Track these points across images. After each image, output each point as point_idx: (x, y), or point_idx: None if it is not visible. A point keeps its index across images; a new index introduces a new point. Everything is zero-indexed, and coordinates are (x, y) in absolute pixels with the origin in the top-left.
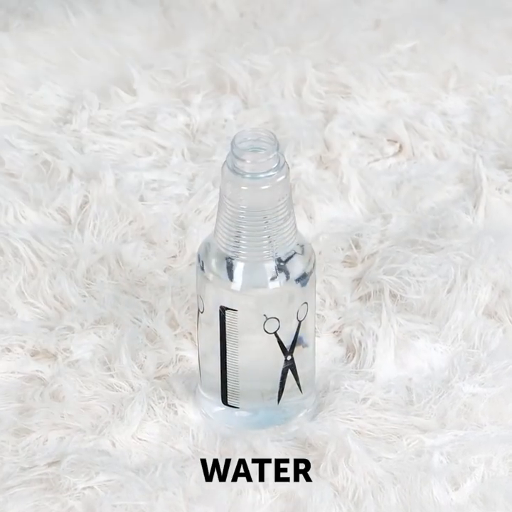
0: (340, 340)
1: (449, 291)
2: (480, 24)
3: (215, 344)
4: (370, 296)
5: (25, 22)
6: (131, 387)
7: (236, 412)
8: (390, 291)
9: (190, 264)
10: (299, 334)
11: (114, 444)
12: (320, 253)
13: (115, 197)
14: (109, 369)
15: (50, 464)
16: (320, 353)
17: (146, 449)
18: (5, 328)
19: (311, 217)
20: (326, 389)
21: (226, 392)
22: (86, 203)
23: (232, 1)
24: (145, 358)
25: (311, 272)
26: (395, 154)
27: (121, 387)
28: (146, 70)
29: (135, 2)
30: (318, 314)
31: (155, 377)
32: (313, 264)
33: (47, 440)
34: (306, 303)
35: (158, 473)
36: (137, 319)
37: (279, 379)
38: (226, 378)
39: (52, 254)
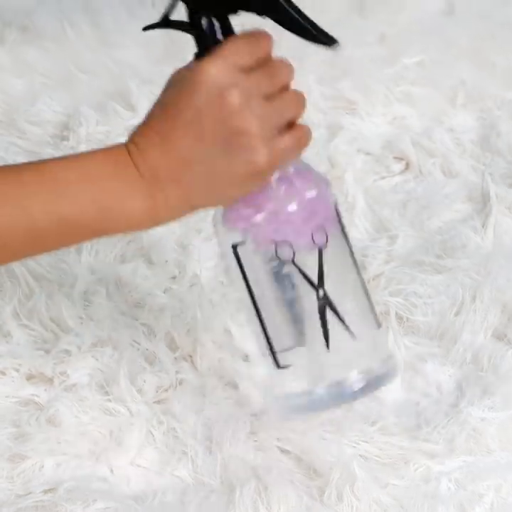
0: None
1: (457, 313)
2: (488, 38)
3: (246, 297)
4: None
5: (22, 36)
6: (130, 412)
7: (293, 384)
8: (397, 313)
9: (191, 285)
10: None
11: (112, 471)
12: None
13: None
14: (107, 393)
15: (46, 491)
16: None
17: (145, 475)
18: None
19: None
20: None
21: (271, 344)
22: None
23: None
24: (144, 381)
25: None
26: (402, 172)
27: (119, 412)
28: (145, 85)
29: (134, 15)
30: None
31: (154, 402)
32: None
33: (43, 466)
34: (323, 227)
35: (158, 501)
36: (136, 342)
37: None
38: (264, 325)
39: (48, 274)
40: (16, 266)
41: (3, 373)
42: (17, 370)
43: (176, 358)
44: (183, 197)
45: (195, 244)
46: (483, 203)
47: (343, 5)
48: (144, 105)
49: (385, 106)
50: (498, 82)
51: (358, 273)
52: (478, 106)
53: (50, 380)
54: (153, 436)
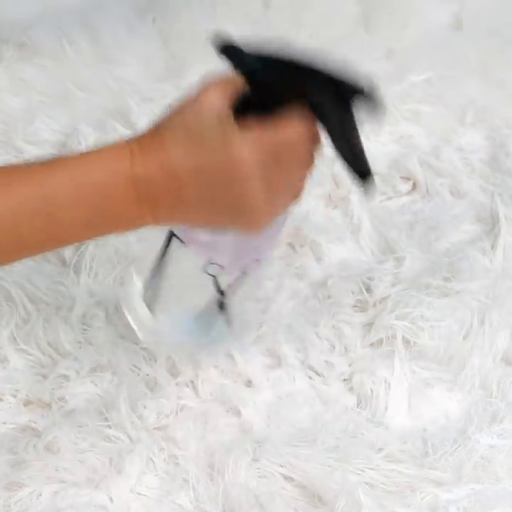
0: (351, 389)
1: (465, 337)
2: (498, 55)
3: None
4: (381, 343)
5: (19, 53)
6: (130, 439)
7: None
8: (403, 337)
9: None
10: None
11: (111, 499)
12: (329, 297)
13: (112, 237)
14: (106, 419)
15: None
16: (330, 401)
17: (145, 504)
18: None
19: (319, 259)
20: (343, 434)
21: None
22: (82, 243)
23: (234, 30)
24: (144, 407)
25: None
26: (409, 192)
27: (119, 439)
28: (146, 103)
29: (134, 32)
30: (326, 361)
31: (155, 428)
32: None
33: (40, 494)
34: (258, 260)
35: None
36: (136, 367)
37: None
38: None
39: (46, 297)
40: (13, 289)
41: (0, 399)
42: (14, 396)
43: (177, 384)
44: (172, 223)
45: None
46: (492, 224)
47: (349, 20)
48: (144, 123)
49: (392, 124)
50: (507, 100)
51: None
52: (487, 125)
53: (48, 406)
54: (153, 463)
